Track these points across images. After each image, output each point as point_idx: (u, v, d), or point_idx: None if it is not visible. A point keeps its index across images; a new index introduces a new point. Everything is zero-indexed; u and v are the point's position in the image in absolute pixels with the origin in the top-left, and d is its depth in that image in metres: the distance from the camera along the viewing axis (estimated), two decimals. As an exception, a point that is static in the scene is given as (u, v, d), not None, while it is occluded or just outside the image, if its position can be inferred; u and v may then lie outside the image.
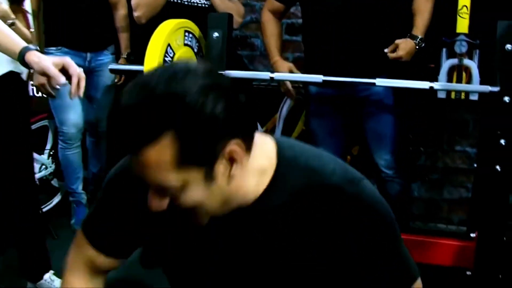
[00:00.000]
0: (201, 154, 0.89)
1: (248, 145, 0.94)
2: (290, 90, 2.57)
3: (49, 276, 2.46)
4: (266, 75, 2.35)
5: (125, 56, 3.00)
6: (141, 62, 2.22)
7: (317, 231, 1.00)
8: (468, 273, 2.14)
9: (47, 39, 2.92)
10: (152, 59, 2.15)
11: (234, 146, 0.91)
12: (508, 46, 1.92)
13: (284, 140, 1.08)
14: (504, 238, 2.09)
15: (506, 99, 1.93)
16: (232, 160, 0.92)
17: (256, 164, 0.99)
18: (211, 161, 0.90)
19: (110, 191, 1.12)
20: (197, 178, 0.90)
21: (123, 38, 3.00)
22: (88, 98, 3.10)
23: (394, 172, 2.48)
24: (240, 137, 0.91)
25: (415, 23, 2.39)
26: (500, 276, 2.11)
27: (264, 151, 1.01)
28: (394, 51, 2.32)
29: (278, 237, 1.01)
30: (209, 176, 0.91)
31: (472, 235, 2.13)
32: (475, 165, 2.57)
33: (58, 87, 2.81)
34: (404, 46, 2.31)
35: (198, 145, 0.87)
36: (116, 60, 3.03)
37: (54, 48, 2.90)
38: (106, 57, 3.02)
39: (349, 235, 0.99)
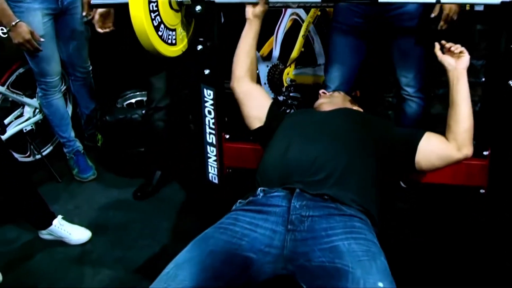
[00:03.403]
0: None
1: None
2: None
3: (58, 221, 2.45)
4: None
5: None
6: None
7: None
8: (482, 191, 2.10)
9: None
10: None
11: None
12: (521, -48, 1.77)
13: None
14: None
15: (520, 10, 1.80)
16: None
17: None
18: None
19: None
20: None
21: None
22: (67, 41, 2.95)
23: (414, 91, 2.44)
24: None
25: None
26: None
27: None
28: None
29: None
30: None
31: (485, 153, 2.07)
32: (483, 79, 2.48)
33: (42, 40, 2.70)
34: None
35: None
36: None
37: None
38: None
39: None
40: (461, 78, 1.84)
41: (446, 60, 1.87)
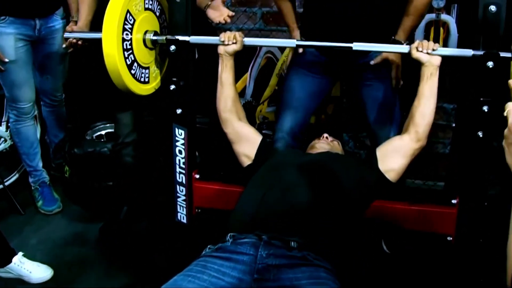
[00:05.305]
0: None
1: None
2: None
3: (18, 259, 2.37)
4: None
5: (76, 19, 2.69)
6: (99, 29, 2.04)
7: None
8: (449, 238, 2.11)
9: None
10: (111, 28, 1.97)
11: None
12: (492, 8, 1.80)
13: None
14: (485, 203, 2.06)
15: (490, 64, 1.83)
16: None
17: None
18: None
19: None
20: None
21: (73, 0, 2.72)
22: (41, 68, 2.90)
23: None
24: None
25: (403, 24, 2.21)
26: (480, 240, 2.10)
27: None
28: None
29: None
30: None
31: (453, 201, 2.08)
32: (453, 124, 2.51)
33: (6, 60, 2.65)
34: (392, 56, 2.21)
35: None
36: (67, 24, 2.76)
37: None
38: (56, 23, 2.79)
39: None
40: (434, 74, 1.91)
41: (422, 57, 1.91)
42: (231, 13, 2.38)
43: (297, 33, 2.37)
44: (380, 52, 2.24)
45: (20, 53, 2.71)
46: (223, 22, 2.37)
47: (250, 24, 3.12)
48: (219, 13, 2.37)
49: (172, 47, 2.11)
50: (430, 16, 2.47)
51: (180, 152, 2.25)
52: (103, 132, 3.14)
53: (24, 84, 2.79)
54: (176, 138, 2.24)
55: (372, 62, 2.25)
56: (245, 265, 1.54)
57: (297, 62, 2.42)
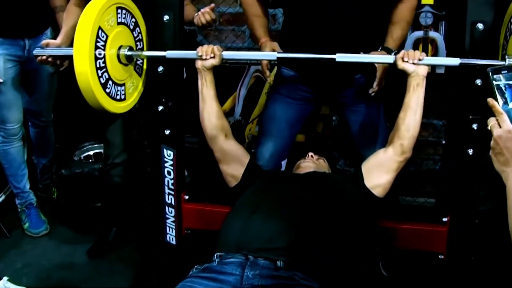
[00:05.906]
0: None
1: None
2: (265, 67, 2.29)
3: (2, 284, 2.31)
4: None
5: None
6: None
7: None
8: (441, 257, 2.10)
9: None
10: (82, 46, 1.86)
11: None
12: (480, 26, 1.81)
13: None
14: (476, 221, 2.06)
15: (478, 82, 1.83)
16: None
17: None
18: None
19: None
20: None
21: (62, 19, 2.70)
22: (29, 89, 2.87)
23: None
24: None
25: (391, 33, 2.16)
26: (472, 258, 2.09)
27: None
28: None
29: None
30: None
31: (444, 219, 2.07)
32: (443, 141, 2.51)
33: (1, 80, 2.63)
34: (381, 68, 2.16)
35: None
36: None
37: None
38: None
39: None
40: (420, 85, 1.85)
41: (407, 67, 1.85)
42: (213, 16, 2.34)
43: (273, 44, 2.21)
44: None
45: (9, 74, 2.69)
46: (205, 19, 2.32)
47: (238, 43, 3.12)
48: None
49: (160, 68, 2.10)
50: (418, 34, 2.48)
51: (169, 173, 2.22)
52: (91, 153, 3.12)
53: (13, 105, 2.76)
54: (165, 159, 2.21)
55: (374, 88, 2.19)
56: (231, 285, 1.51)
57: (277, 89, 2.36)
